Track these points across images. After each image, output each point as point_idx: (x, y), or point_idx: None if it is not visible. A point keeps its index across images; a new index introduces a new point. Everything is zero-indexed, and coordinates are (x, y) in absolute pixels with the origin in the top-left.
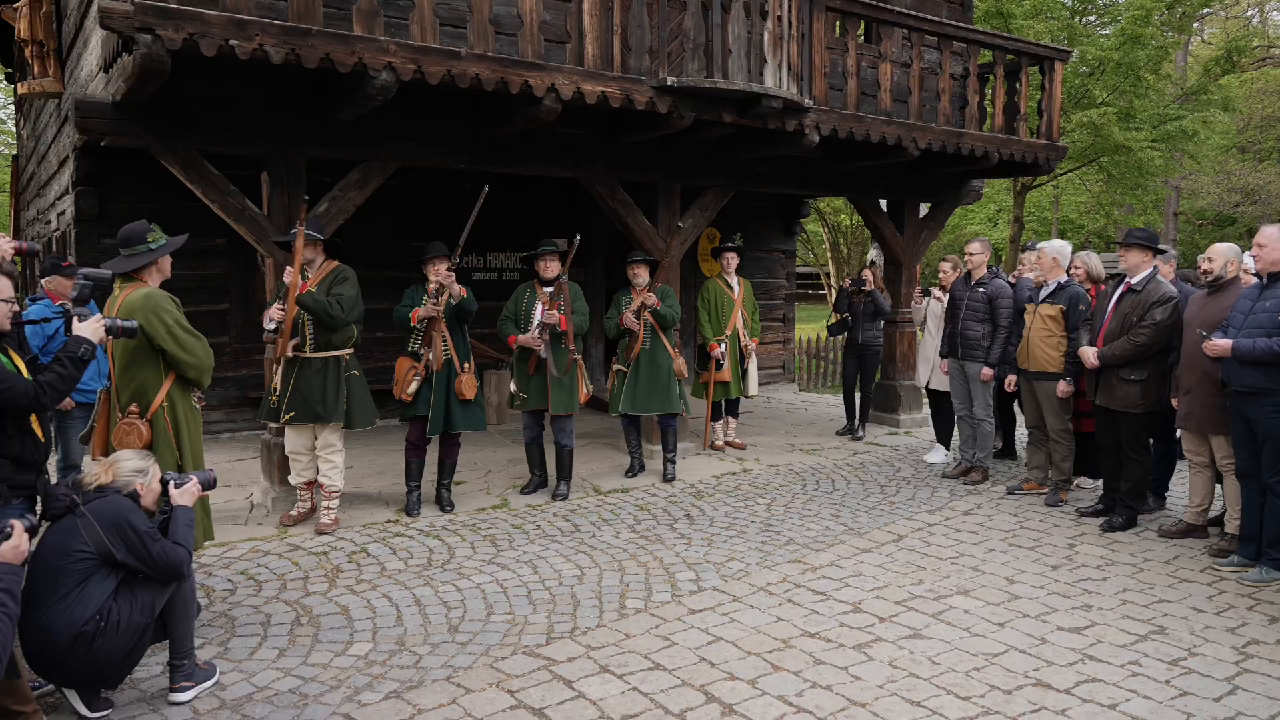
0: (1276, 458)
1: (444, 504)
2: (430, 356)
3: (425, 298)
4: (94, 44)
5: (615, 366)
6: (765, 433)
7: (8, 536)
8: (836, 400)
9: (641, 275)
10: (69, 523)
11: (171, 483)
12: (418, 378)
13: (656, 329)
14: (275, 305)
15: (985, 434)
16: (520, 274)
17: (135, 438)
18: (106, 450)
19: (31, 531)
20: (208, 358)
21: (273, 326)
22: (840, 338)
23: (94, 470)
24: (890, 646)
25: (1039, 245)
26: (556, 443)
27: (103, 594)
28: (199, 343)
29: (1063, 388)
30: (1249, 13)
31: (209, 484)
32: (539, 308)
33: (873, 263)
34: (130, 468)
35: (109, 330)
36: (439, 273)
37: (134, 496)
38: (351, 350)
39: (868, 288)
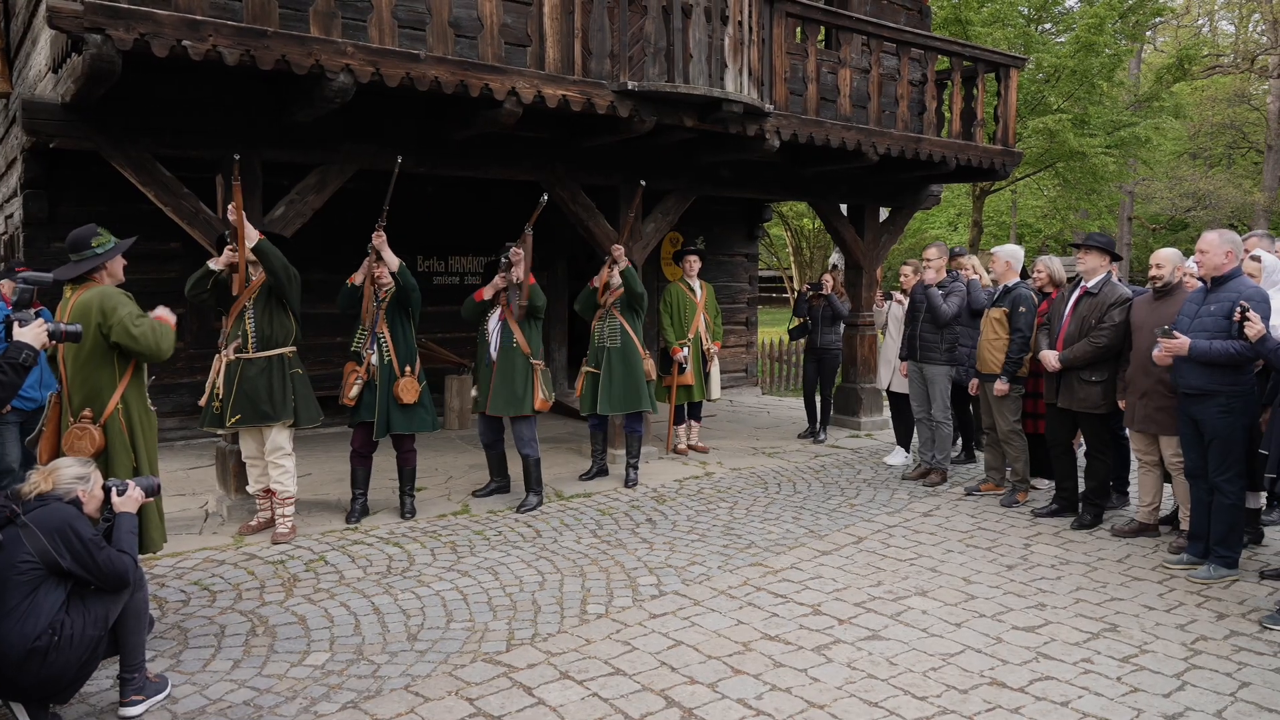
0: (1223, 457)
1: (405, 511)
2: (373, 360)
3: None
4: (43, 43)
5: (585, 368)
6: (728, 436)
7: (121, 494)
8: (799, 403)
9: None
10: (11, 533)
11: (114, 490)
12: (359, 381)
13: (627, 329)
14: (228, 248)
15: (944, 436)
16: (482, 278)
17: (88, 443)
18: (55, 457)
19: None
20: (163, 340)
21: (219, 268)
22: (801, 341)
23: (34, 479)
24: (849, 648)
25: (960, 252)
26: (520, 453)
27: (53, 605)
28: (150, 329)
29: (999, 387)
30: (1199, 22)
31: (152, 490)
32: (497, 312)
33: (834, 266)
34: (71, 474)
35: (52, 335)
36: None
37: (76, 504)
38: (293, 348)
39: (825, 291)
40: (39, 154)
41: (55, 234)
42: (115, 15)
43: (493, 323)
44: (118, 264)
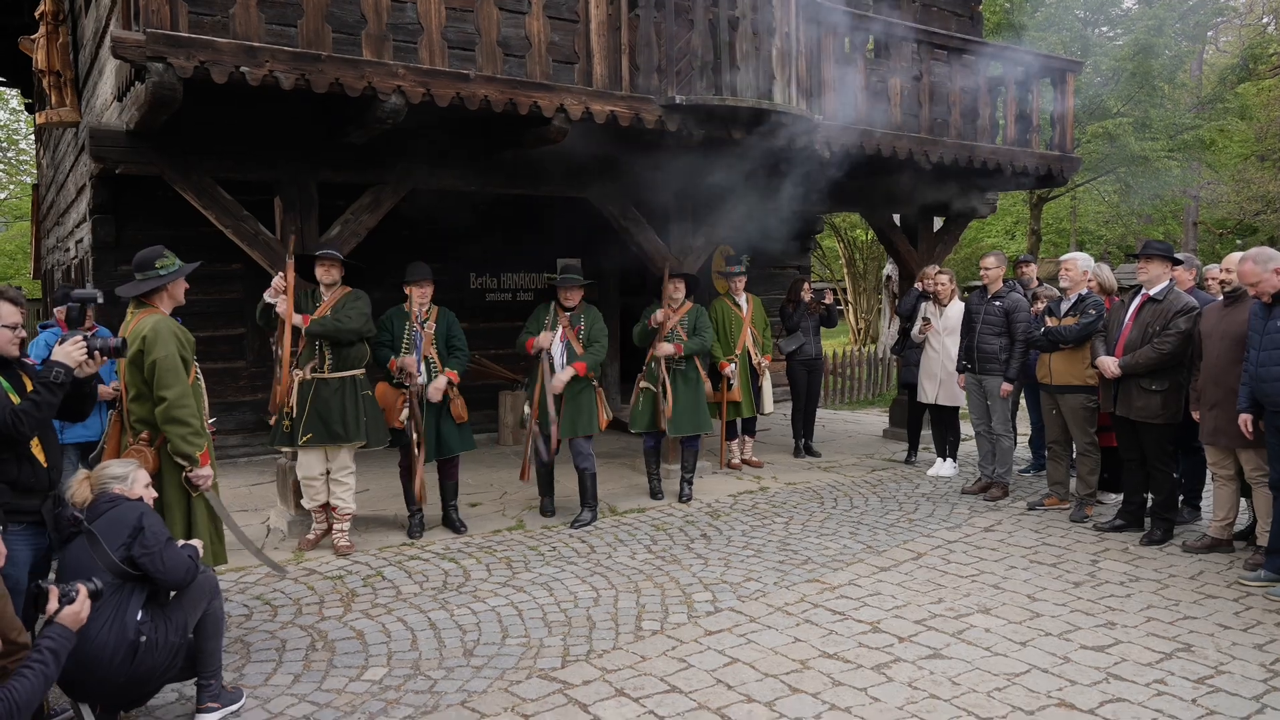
0: None
1: (455, 526)
2: (420, 382)
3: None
4: (108, 73)
5: (642, 384)
6: (782, 450)
7: (71, 600)
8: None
9: (681, 291)
10: (80, 542)
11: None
12: (408, 404)
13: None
14: (277, 277)
15: (1004, 450)
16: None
17: (142, 464)
18: None
19: (95, 596)
20: (182, 398)
21: (274, 300)
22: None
23: (73, 487)
24: (910, 667)
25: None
26: (577, 467)
27: (136, 606)
28: (180, 385)
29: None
30: (1264, 20)
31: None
32: (559, 333)
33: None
34: (109, 474)
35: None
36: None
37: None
38: (364, 370)
39: (828, 300)
40: (106, 180)
41: (122, 257)
42: (176, 44)
43: (556, 345)
44: (179, 287)
